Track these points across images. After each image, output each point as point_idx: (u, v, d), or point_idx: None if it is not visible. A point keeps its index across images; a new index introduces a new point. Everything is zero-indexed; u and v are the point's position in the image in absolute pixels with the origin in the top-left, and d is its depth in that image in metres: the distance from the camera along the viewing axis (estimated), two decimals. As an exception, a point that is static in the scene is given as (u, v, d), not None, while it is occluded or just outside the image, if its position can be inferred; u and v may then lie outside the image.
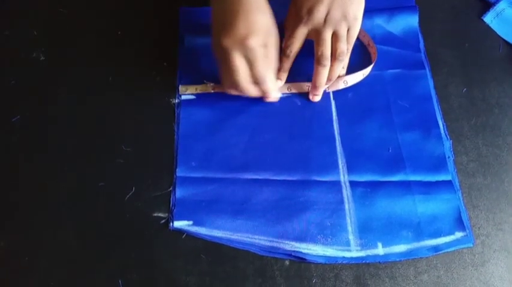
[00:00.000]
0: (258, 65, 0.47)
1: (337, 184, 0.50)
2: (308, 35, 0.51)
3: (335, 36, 0.50)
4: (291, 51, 0.52)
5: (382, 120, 0.53)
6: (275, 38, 0.48)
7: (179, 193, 0.49)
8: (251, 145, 0.51)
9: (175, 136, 0.52)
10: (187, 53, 0.56)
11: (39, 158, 0.50)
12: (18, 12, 0.58)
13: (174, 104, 0.53)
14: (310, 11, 0.49)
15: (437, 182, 0.50)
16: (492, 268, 0.48)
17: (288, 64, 0.53)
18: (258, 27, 0.45)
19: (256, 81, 0.49)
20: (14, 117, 0.52)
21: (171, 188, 0.49)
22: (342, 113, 0.54)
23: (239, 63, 0.47)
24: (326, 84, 0.53)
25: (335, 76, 0.53)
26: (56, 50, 0.56)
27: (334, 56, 0.51)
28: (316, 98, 0.54)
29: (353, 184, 0.50)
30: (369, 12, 0.54)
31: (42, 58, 0.55)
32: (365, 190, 0.49)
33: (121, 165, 0.50)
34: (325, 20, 0.49)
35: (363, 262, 0.47)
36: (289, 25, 0.52)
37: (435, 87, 0.56)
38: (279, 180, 0.50)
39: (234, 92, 0.50)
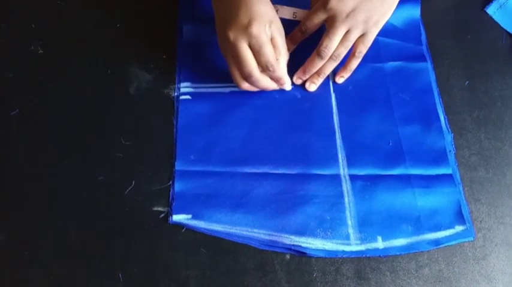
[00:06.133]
0: (265, 51, 0.47)
1: (336, 178, 0.50)
2: (325, 20, 0.51)
3: (344, 35, 0.50)
4: (305, 29, 0.52)
5: (383, 113, 0.53)
6: (279, 27, 0.49)
7: (178, 186, 0.49)
8: (250, 138, 0.51)
9: (174, 130, 0.51)
10: (187, 45, 0.56)
11: (38, 152, 0.50)
12: (16, 5, 0.58)
13: (173, 97, 0.53)
14: (340, 0, 0.49)
15: (438, 176, 0.50)
16: (493, 261, 0.48)
17: (298, 38, 0.54)
18: (260, 15, 0.46)
19: (266, 68, 0.48)
20: (12, 111, 0.52)
21: (170, 182, 0.49)
22: (342, 105, 0.53)
23: (246, 53, 0.47)
24: (314, 80, 0.53)
25: (325, 74, 0.53)
26: (54, 43, 0.56)
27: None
28: (313, 86, 0.54)
29: (353, 178, 0.50)
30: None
31: (40, 51, 0.55)
32: (365, 184, 0.49)
33: (120, 159, 0.50)
34: (347, 15, 0.49)
35: (363, 255, 0.47)
36: (314, 2, 0.53)
37: (437, 80, 0.56)
38: (279, 173, 0.50)
39: (246, 87, 0.50)
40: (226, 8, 0.47)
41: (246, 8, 0.46)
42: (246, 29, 0.45)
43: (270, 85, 0.50)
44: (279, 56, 0.49)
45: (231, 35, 0.46)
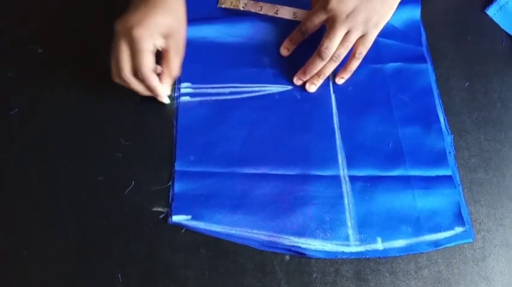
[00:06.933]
0: (140, 59, 0.46)
1: (336, 179, 0.50)
2: (325, 20, 0.51)
3: (344, 36, 0.50)
4: (305, 30, 0.52)
5: (383, 114, 0.53)
6: (178, 43, 0.48)
7: (178, 187, 0.49)
8: (250, 139, 0.51)
9: (174, 130, 0.51)
10: (186, 45, 0.55)
11: (38, 151, 0.50)
12: (15, 4, 0.58)
13: (173, 97, 0.53)
14: (340, 0, 0.49)
15: (437, 177, 0.50)
16: (492, 263, 0.48)
17: (298, 38, 0.54)
18: (153, 23, 0.45)
19: (139, 75, 0.47)
20: (12, 111, 0.52)
21: (170, 183, 0.49)
22: (342, 106, 0.53)
23: (122, 51, 0.46)
24: (314, 81, 0.53)
25: (325, 75, 0.53)
26: (54, 42, 0.55)
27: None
28: (313, 87, 0.54)
29: (352, 179, 0.50)
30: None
31: (39, 50, 0.55)
32: (364, 185, 0.49)
33: (120, 159, 0.50)
34: (347, 16, 0.49)
35: (362, 257, 0.47)
36: (314, 3, 0.53)
37: (437, 81, 0.56)
38: (278, 174, 0.49)
39: (118, 81, 0.48)
40: (135, 3, 0.47)
41: (143, 11, 0.45)
42: (129, 29, 0.44)
43: (142, 91, 0.49)
44: (166, 70, 0.48)
45: (117, 27, 0.45)
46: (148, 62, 0.46)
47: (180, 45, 0.49)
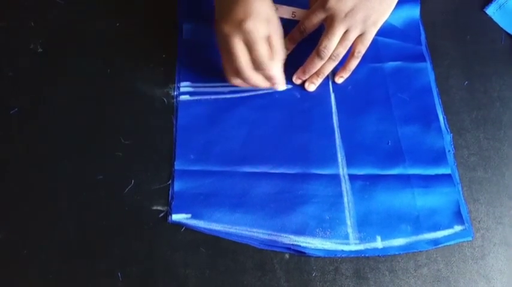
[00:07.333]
0: (258, 49, 0.46)
1: (336, 177, 0.50)
2: (324, 19, 0.51)
3: (342, 35, 0.50)
4: (304, 29, 0.52)
5: (382, 113, 0.53)
6: (277, 26, 0.48)
7: (177, 186, 0.49)
8: (250, 138, 0.51)
9: (174, 129, 0.51)
10: (186, 45, 0.55)
11: (38, 150, 0.50)
12: (15, 3, 0.58)
13: (173, 96, 0.53)
14: (339, 0, 0.49)
15: (437, 176, 0.50)
16: (492, 261, 0.48)
17: (297, 37, 0.54)
18: (257, 12, 0.45)
19: (258, 67, 0.47)
20: (12, 110, 0.52)
21: (169, 181, 0.49)
22: (342, 105, 0.53)
23: (239, 48, 0.46)
24: (314, 80, 0.53)
25: (324, 74, 0.53)
26: (54, 42, 0.55)
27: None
28: (312, 86, 0.54)
29: (352, 177, 0.50)
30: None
31: (39, 50, 0.55)
32: (364, 183, 0.49)
33: (120, 158, 0.50)
34: (345, 15, 0.49)
35: (362, 255, 0.47)
36: (313, 2, 0.53)
37: (436, 80, 0.56)
38: (278, 173, 0.50)
39: (238, 83, 0.50)
40: (225, 2, 0.47)
41: (243, 4, 0.45)
42: (240, 24, 0.45)
43: (262, 83, 0.49)
44: (275, 55, 0.48)
45: (225, 28, 0.46)
46: (266, 50, 0.47)
47: (279, 28, 0.49)
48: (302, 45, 0.54)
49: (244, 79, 0.48)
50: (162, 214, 0.48)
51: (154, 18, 0.58)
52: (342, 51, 0.51)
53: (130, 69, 0.54)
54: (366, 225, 0.48)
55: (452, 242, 0.48)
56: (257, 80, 0.49)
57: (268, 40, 0.47)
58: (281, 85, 0.51)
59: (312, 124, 0.52)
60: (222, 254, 0.46)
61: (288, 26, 0.55)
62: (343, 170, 0.50)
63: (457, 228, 0.48)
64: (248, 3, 0.45)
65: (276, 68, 0.49)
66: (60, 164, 0.49)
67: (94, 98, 0.53)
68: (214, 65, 0.54)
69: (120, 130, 0.51)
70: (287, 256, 0.47)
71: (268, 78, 0.49)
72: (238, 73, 0.48)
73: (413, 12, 0.59)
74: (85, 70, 0.54)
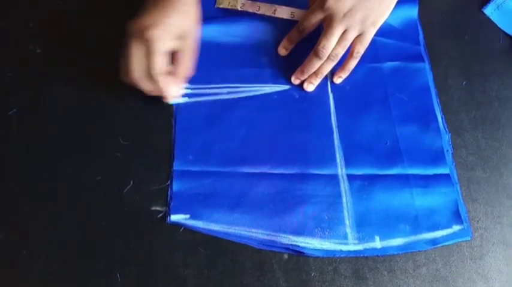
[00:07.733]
0: (153, 61, 0.45)
1: (334, 177, 0.50)
2: (322, 20, 0.51)
3: (341, 35, 0.50)
4: (303, 29, 0.53)
5: (380, 113, 0.53)
6: (190, 45, 0.48)
7: (176, 186, 0.49)
8: (248, 138, 0.51)
9: (172, 130, 0.51)
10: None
11: (37, 151, 0.50)
12: (14, 4, 0.58)
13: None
14: (337, 0, 0.49)
15: (435, 176, 0.50)
16: (490, 261, 0.48)
17: (296, 37, 0.54)
18: (169, 24, 0.45)
19: (150, 77, 0.47)
20: (10, 111, 0.52)
21: (168, 182, 0.49)
22: (340, 105, 0.53)
23: (135, 52, 0.46)
24: (312, 80, 0.53)
25: (323, 74, 0.53)
26: (52, 42, 0.56)
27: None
28: (311, 86, 0.54)
29: (351, 177, 0.50)
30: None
31: (38, 50, 0.55)
32: (363, 183, 0.49)
33: (119, 158, 0.50)
34: (344, 15, 0.49)
35: (361, 255, 0.47)
36: (312, 2, 0.53)
37: (434, 80, 0.56)
38: (277, 173, 0.50)
39: (128, 81, 0.48)
40: (150, 3, 0.46)
41: (160, 12, 0.45)
42: (142, 30, 0.44)
43: (148, 89, 0.48)
44: (177, 73, 0.48)
45: (132, 28, 0.45)
46: (161, 64, 0.46)
47: (192, 47, 0.49)
48: (301, 46, 0.55)
49: (133, 82, 0.48)
50: (161, 214, 0.48)
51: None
52: (341, 52, 0.51)
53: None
54: (364, 225, 0.48)
55: (450, 242, 0.48)
56: (146, 87, 0.48)
57: (177, 55, 0.47)
58: (169, 99, 0.50)
59: (310, 124, 0.52)
60: (221, 255, 0.47)
61: (287, 26, 0.55)
62: (341, 170, 0.50)
63: (456, 228, 0.48)
64: (165, 13, 0.45)
65: (166, 84, 0.48)
66: (59, 164, 0.49)
67: (93, 98, 0.53)
68: (212, 66, 0.54)
69: (119, 131, 0.51)
70: (286, 256, 0.47)
71: (156, 89, 0.48)
72: (129, 74, 0.47)
73: (412, 12, 0.59)
74: (83, 70, 0.54)
